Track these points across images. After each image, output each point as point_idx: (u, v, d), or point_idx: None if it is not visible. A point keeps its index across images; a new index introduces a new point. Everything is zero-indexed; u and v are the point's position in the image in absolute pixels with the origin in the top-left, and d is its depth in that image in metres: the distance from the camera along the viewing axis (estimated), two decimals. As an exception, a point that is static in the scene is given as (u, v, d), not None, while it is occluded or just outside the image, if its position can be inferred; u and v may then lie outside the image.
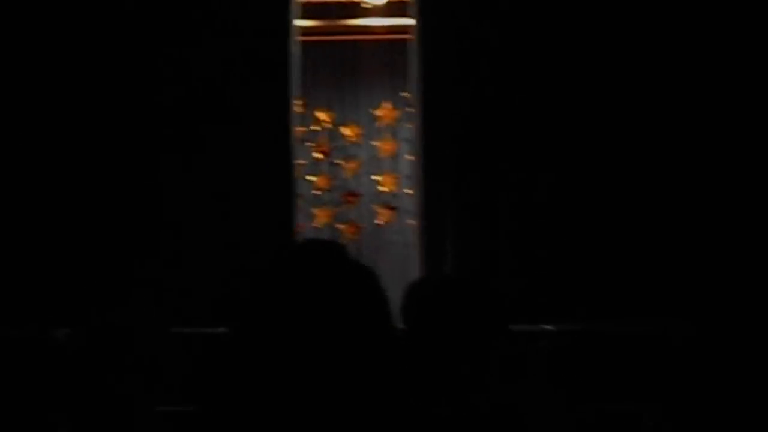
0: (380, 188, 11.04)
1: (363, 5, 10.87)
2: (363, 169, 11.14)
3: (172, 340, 7.67)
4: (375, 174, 11.07)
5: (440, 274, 7.43)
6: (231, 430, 1.55)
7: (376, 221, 10.96)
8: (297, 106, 9.57)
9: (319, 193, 11.05)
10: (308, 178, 10.86)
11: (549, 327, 8.05)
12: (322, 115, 11.12)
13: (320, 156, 11.07)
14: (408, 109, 10.41)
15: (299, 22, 9.56)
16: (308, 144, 10.90)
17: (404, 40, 10.01)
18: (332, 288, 1.56)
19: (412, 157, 10.11)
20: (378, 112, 11.13)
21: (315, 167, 10.96)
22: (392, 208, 10.97)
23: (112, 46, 9.09)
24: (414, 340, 2.35)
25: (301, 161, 10.35)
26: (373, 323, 1.60)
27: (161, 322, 3.89)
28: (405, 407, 2.25)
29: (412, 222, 10.04)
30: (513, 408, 2.37)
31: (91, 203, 8.98)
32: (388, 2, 10.76)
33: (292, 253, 1.62)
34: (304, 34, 9.76)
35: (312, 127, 11.08)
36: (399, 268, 10.48)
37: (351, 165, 11.13)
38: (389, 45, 11.03)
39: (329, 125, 11.13)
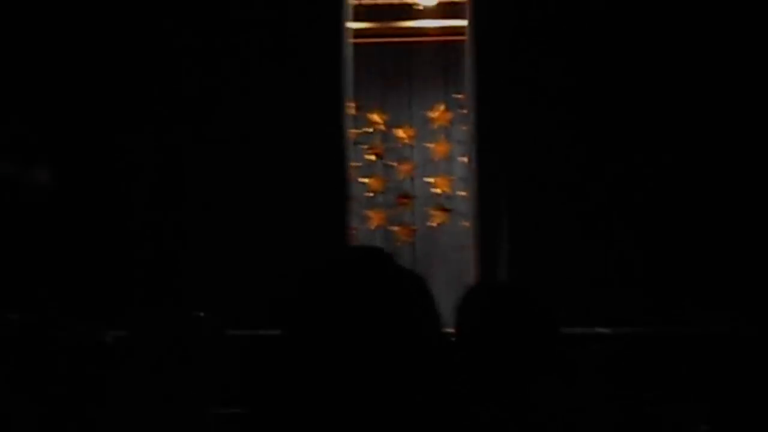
0: (434, 190, 11.01)
1: (416, 7, 10.86)
2: (416, 171, 11.12)
3: (227, 342, 7.73)
4: (428, 176, 11.05)
5: (492, 281, 7.38)
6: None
7: (429, 223, 10.93)
8: (350, 108, 9.57)
9: (372, 195, 11.04)
10: (361, 180, 10.86)
11: (604, 330, 7.99)
12: (375, 117, 11.12)
13: (373, 158, 11.06)
14: (461, 111, 10.39)
15: (352, 24, 9.57)
16: (361, 146, 10.90)
17: (457, 41, 10.00)
18: (381, 294, 1.55)
19: (465, 159, 10.06)
20: (431, 114, 11.11)
21: (368, 169, 10.95)
22: (446, 210, 10.94)
23: (157, 45, 9.16)
24: (465, 346, 2.34)
25: (355, 163, 10.35)
26: (423, 328, 1.59)
27: (215, 324, 3.89)
28: (456, 412, 2.24)
29: (466, 224, 10.01)
30: (565, 413, 2.35)
31: (142, 201, 9.04)
32: (441, 3, 10.74)
33: (340, 260, 1.61)
34: (356, 36, 9.76)
35: (365, 129, 11.08)
36: (453, 271, 10.46)
37: (404, 167, 11.11)
38: (442, 47, 11.01)
39: (382, 127, 11.12)
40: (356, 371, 1.50)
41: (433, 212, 10.94)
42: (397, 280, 1.59)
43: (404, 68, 11.22)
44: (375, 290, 1.55)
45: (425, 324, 1.58)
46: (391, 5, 10.96)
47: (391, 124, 11.14)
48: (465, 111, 9.87)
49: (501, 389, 2.32)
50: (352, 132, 9.77)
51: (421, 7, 10.83)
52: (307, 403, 1.52)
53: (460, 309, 2.41)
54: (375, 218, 10.98)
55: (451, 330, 2.25)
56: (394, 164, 11.11)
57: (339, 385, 1.51)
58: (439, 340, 1.62)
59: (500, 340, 2.34)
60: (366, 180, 10.95)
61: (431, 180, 11.01)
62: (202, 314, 3.82)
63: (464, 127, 10.15)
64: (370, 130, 11.13)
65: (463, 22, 9.57)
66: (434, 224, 10.92)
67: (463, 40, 9.57)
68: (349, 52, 9.44)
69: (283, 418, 1.54)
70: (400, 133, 11.12)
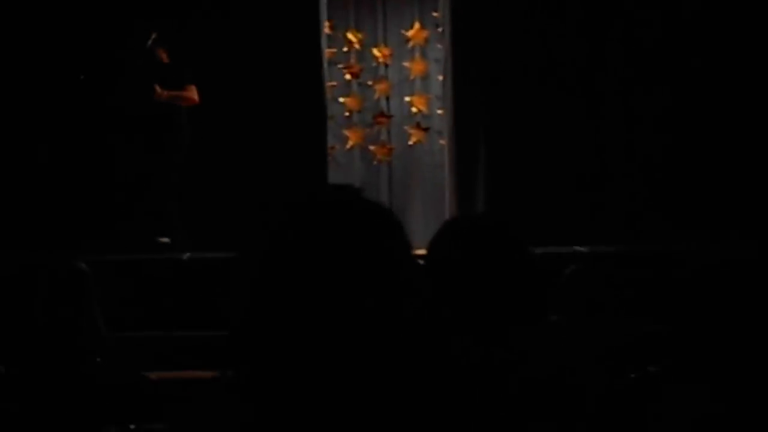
0: (411, 109, 10.98)
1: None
2: (393, 90, 11.08)
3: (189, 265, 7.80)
4: (406, 95, 11.01)
5: (467, 215, 7.35)
6: (257, 358, 1.57)
7: (407, 142, 10.92)
8: (326, 28, 9.51)
9: (349, 114, 11.01)
10: (340, 99, 10.83)
11: (581, 248, 8.04)
12: (350, 37, 11.04)
13: (349, 77, 11.01)
14: (437, 29, 10.32)
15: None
16: (337, 66, 10.84)
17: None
18: (353, 229, 1.58)
19: (441, 78, 10.02)
20: (408, 33, 11.04)
21: (345, 89, 10.91)
22: (423, 129, 10.92)
23: None
24: (438, 280, 2.35)
25: (331, 83, 10.31)
26: (395, 260, 1.61)
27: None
28: (431, 341, 2.25)
29: (443, 142, 10.00)
30: (540, 352, 2.37)
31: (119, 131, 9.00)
32: None
33: (309, 201, 1.63)
34: (332, -45, 9.67)
35: (341, 49, 11.02)
36: (430, 189, 10.48)
37: (381, 86, 11.07)
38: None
39: (357, 46, 11.05)
40: (330, 306, 1.52)
41: (410, 131, 10.92)
42: (365, 217, 1.60)
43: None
44: (343, 230, 1.57)
45: (398, 255, 1.60)
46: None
47: (366, 44, 11.07)
48: (441, 29, 9.80)
49: (474, 326, 2.33)
50: (327, 52, 9.71)
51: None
52: (282, 333, 1.53)
53: (431, 244, 2.42)
54: (352, 137, 10.95)
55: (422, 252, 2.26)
56: (371, 83, 11.06)
57: (314, 317, 1.52)
58: (411, 273, 1.63)
59: (472, 275, 2.35)
60: (343, 99, 10.91)
61: (408, 99, 10.98)
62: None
63: (440, 46, 10.08)
64: (346, 49, 11.06)
65: (439, -60, 9.48)
66: (411, 143, 10.91)
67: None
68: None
69: (258, 347, 1.56)
70: (377, 52, 11.06)
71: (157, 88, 8.56)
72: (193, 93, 8.68)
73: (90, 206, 8.97)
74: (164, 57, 8.81)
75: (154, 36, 8.72)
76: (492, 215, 2.28)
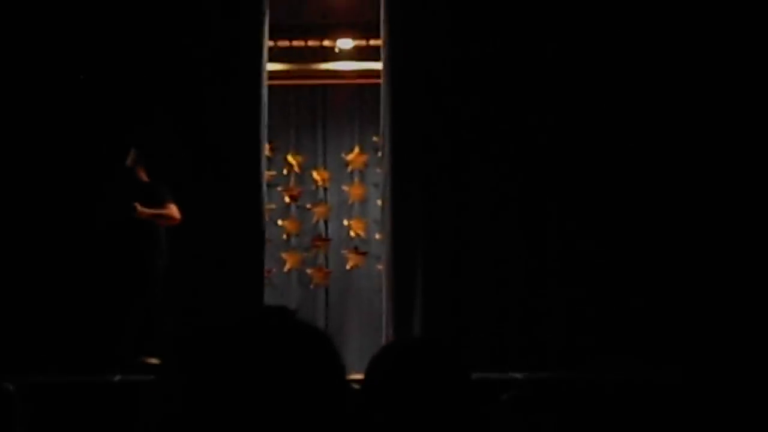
0: (350, 233, 11.00)
1: (332, 50, 10.87)
2: (333, 214, 11.11)
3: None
4: (345, 218, 11.04)
5: (405, 338, 7.29)
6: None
7: (345, 266, 10.90)
8: (266, 150, 9.52)
9: (287, 237, 11.00)
10: (278, 222, 10.81)
11: (517, 375, 7.99)
12: (290, 159, 11.09)
13: (289, 200, 11.02)
14: (377, 154, 10.38)
15: (269, 66, 9.50)
16: (277, 188, 10.86)
17: (373, 84, 10.00)
18: (284, 352, 1.55)
19: (380, 202, 10.05)
20: (348, 157, 11.11)
21: (284, 211, 10.92)
22: (361, 253, 10.92)
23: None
24: (375, 403, 2.31)
25: (270, 206, 10.30)
26: (327, 384, 1.58)
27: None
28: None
29: (380, 267, 9.98)
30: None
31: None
32: (356, 47, 10.76)
33: (243, 321, 1.61)
34: (273, 78, 9.70)
35: (280, 172, 11.05)
36: (367, 313, 10.43)
37: (320, 209, 11.09)
38: (358, 89, 11.04)
39: (297, 169, 11.10)
40: (254, 423, 1.49)
41: (348, 255, 10.91)
42: (297, 339, 1.58)
43: (319, 110, 11.23)
44: (275, 350, 1.54)
45: (330, 379, 1.57)
46: (308, 48, 10.97)
47: (306, 167, 11.12)
48: (380, 154, 9.86)
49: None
50: (267, 174, 9.71)
51: (337, 50, 10.85)
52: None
53: (370, 366, 2.39)
54: (290, 260, 10.93)
55: (359, 377, 2.24)
56: (309, 207, 11.08)
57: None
58: (345, 394, 1.60)
59: (411, 398, 2.31)
60: (281, 222, 10.90)
61: (346, 223, 11.00)
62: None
63: (379, 170, 10.13)
64: (286, 172, 11.10)
65: (379, 65, 9.55)
66: (349, 267, 10.90)
67: (378, 83, 9.56)
68: (265, 94, 9.35)
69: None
70: (317, 175, 11.11)
71: (138, 207, 8.50)
72: (173, 211, 8.65)
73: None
74: (143, 175, 8.77)
75: (132, 154, 8.74)
76: (432, 339, 2.26)
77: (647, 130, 8.97)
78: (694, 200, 8.89)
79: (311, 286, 10.89)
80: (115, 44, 9.03)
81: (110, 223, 8.66)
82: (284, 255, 10.92)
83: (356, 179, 11.12)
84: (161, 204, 8.63)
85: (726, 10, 9.03)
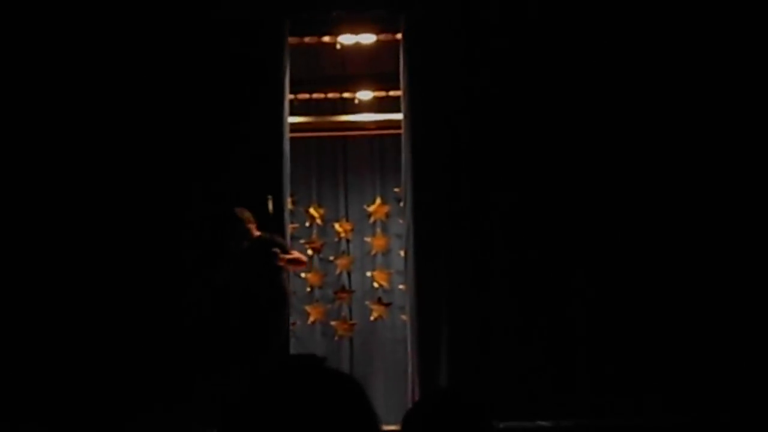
0: (373, 284, 10.98)
1: (352, 101, 10.92)
2: (355, 265, 11.10)
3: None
4: (368, 270, 11.03)
5: (437, 393, 7.31)
6: None
7: (369, 317, 10.88)
8: (288, 203, 9.53)
9: (310, 290, 11.00)
10: (301, 275, 10.81)
11: (545, 423, 7.94)
12: (313, 212, 11.11)
13: (312, 252, 11.03)
14: (399, 204, 10.38)
15: (290, 119, 9.52)
16: (300, 241, 10.87)
17: (394, 134, 10.02)
18: (316, 402, 1.57)
19: (403, 253, 10.02)
20: (369, 208, 11.12)
21: (307, 264, 10.92)
22: (385, 305, 10.90)
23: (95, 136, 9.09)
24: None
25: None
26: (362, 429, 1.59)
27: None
28: None
29: (404, 318, 9.94)
30: None
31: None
32: (376, 98, 10.80)
33: (275, 373, 1.64)
34: (293, 130, 9.72)
35: (305, 224, 11.07)
36: (391, 365, 10.38)
37: (343, 261, 11.09)
38: (379, 140, 11.07)
39: (319, 221, 11.11)
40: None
41: (371, 306, 10.89)
42: (330, 388, 1.59)
43: (340, 162, 11.26)
44: (310, 399, 1.57)
45: (360, 427, 1.58)
46: (327, 100, 11.03)
47: (328, 218, 11.13)
48: (402, 204, 9.85)
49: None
50: (290, 227, 9.71)
51: (357, 102, 10.89)
52: None
53: (406, 420, 2.49)
54: (313, 313, 10.92)
55: (391, 428, 2.28)
56: (332, 259, 11.08)
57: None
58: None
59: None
60: (304, 275, 10.90)
61: (369, 274, 10.99)
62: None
63: (401, 221, 10.12)
64: (308, 224, 11.11)
65: (399, 116, 9.57)
66: (373, 318, 10.87)
67: (399, 133, 9.57)
68: (287, 147, 9.36)
69: None
70: (338, 227, 11.12)
71: (279, 253, 8.50)
72: (300, 255, 8.81)
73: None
74: (255, 231, 8.75)
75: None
76: (465, 395, 2.33)
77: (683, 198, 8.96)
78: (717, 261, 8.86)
79: (335, 338, 10.88)
80: (136, 100, 9.09)
81: (242, 288, 8.59)
82: (308, 308, 10.91)
83: (378, 230, 11.12)
84: (286, 252, 8.68)
85: (731, 11, 9.06)
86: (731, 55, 9.02)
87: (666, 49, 9.06)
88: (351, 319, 10.94)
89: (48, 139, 9.01)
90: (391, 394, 9.75)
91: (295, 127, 9.90)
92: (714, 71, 8.98)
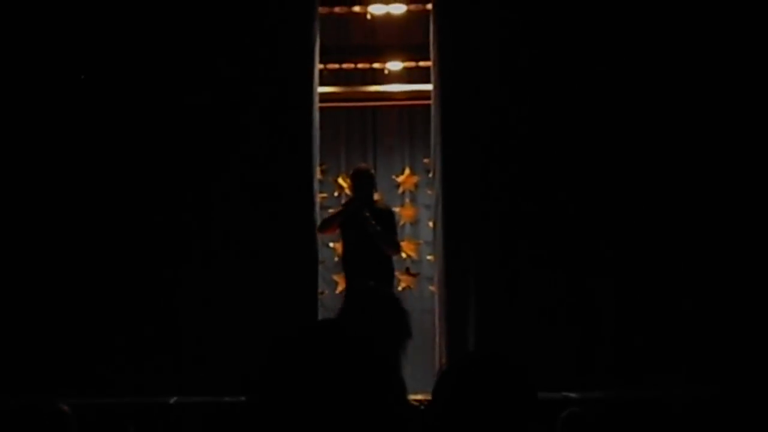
0: (401, 255, 10.99)
1: (382, 72, 10.91)
2: (384, 236, 11.10)
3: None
4: (396, 240, 11.04)
5: (471, 353, 7.30)
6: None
7: (397, 287, 10.89)
8: (317, 173, 9.55)
9: (339, 259, 11.01)
10: (330, 244, 10.83)
11: (572, 395, 7.96)
12: (342, 182, 11.12)
13: (341, 222, 11.03)
14: (428, 175, 10.38)
15: (320, 89, 9.54)
16: (329, 210, 10.88)
17: (423, 105, 10.02)
18: (342, 364, 1.60)
19: (431, 223, 10.04)
20: (398, 178, 11.13)
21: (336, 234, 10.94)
22: (413, 275, 10.92)
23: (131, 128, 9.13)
24: (441, 420, 2.33)
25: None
26: (381, 397, 1.62)
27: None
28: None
29: (432, 288, 9.96)
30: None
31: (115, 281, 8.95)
32: (406, 68, 10.79)
33: (304, 332, 1.67)
34: (323, 101, 9.73)
35: (333, 194, 11.08)
36: (419, 336, 10.39)
37: (371, 231, 11.09)
38: (408, 111, 11.07)
39: (348, 191, 11.12)
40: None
41: (400, 276, 10.91)
42: (358, 351, 1.62)
43: (369, 132, 11.27)
44: (337, 361, 1.59)
45: (383, 393, 1.60)
46: (357, 70, 11.02)
47: (357, 189, 11.13)
48: (431, 175, 9.86)
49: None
50: (319, 196, 9.74)
51: (386, 72, 10.88)
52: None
53: (437, 383, 2.42)
54: (342, 282, 10.93)
55: (418, 397, 2.29)
56: (361, 228, 11.09)
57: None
58: (401, 406, 1.62)
59: (477, 414, 2.32)
60: (333, 244, 10.92)
61: (398, 244, 11.00)
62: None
63: (430, 192, 10.12)
64: (336, 194, 11.13)
65: (429, 87, 9.57)
66: (401, 288, 10.89)
67: (428, 104, 9.57)
68: (317, 117, 9.38)
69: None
70: (368, 197, 11.12)
71: (366, 213, 8.78)
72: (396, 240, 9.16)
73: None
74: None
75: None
76: (500, 356, 2.23)
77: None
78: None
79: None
80: (165, 72, 9.12)
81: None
82: (336, 277, 10.94)
83: (407, 200, 11.13)
84: (390, 230, 8.91)
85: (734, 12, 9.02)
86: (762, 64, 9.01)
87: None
88: (379, 289, 10.95)
89: (78, 119, 9.08)
90: (418, 364, 9.77)
91: (324, 97, 9.90)
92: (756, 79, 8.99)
